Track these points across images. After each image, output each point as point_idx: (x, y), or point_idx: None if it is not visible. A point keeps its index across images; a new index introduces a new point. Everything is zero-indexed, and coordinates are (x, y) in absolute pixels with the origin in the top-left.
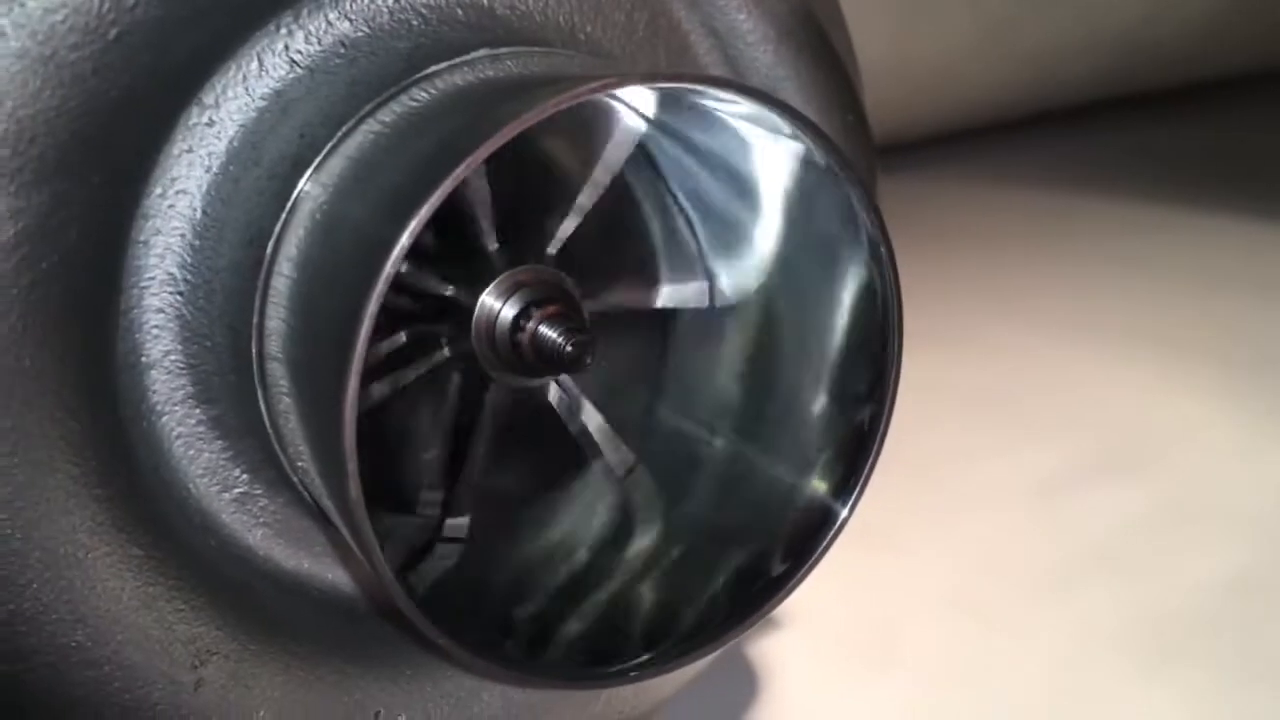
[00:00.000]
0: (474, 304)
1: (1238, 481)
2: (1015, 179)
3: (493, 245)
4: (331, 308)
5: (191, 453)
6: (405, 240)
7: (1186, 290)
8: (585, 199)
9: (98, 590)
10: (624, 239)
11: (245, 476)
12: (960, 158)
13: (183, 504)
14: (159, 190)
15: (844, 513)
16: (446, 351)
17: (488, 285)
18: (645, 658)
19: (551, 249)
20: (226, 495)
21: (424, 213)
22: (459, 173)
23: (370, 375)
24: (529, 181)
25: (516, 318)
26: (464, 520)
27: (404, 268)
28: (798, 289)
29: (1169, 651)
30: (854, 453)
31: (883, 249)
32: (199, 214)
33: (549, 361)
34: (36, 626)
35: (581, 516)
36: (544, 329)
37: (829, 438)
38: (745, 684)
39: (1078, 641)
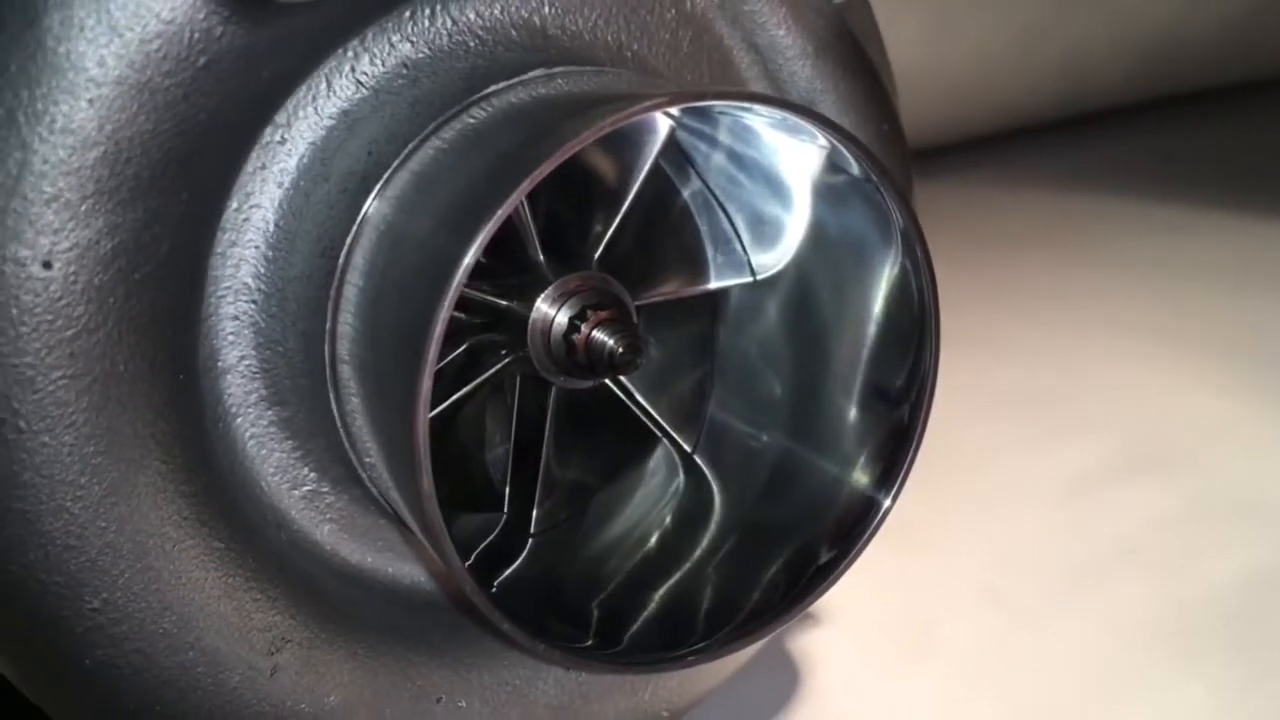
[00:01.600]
0: (529, 313)
1: (1266, 477)
2: (1045, 183)
3: (539, 256)
4: (401, 314)
5: (264, 452)
6: (475, 249)
7: (1215, 291)
8: (622, 202)
9: (183, 580)
10: (669, 235)
11: (313, 475)
12: (990, 162)
13: (256, 501)
14: (235, 205)
15: (887, 502)
16: (506, 359)
17: (540, 295)
18: (701, 644)
19: (595, 253)
20: (296, 493)
21: (492, 225)
22: (524, 187)
23: (435, 385)
24: (568, 191)
25: (570, 324)
26: (536, 515)
27: (459, 310)
28: (836, 291)
29: (1199, 646)
30: (894, 448)
31: (919, 251)
32: (272, 227)
33: (601, 365)
34: (127, 614)
35: (647, 507)
36: (597, 334)
37: (870, 434)
38: (785, 679)
39: (1109, 636)
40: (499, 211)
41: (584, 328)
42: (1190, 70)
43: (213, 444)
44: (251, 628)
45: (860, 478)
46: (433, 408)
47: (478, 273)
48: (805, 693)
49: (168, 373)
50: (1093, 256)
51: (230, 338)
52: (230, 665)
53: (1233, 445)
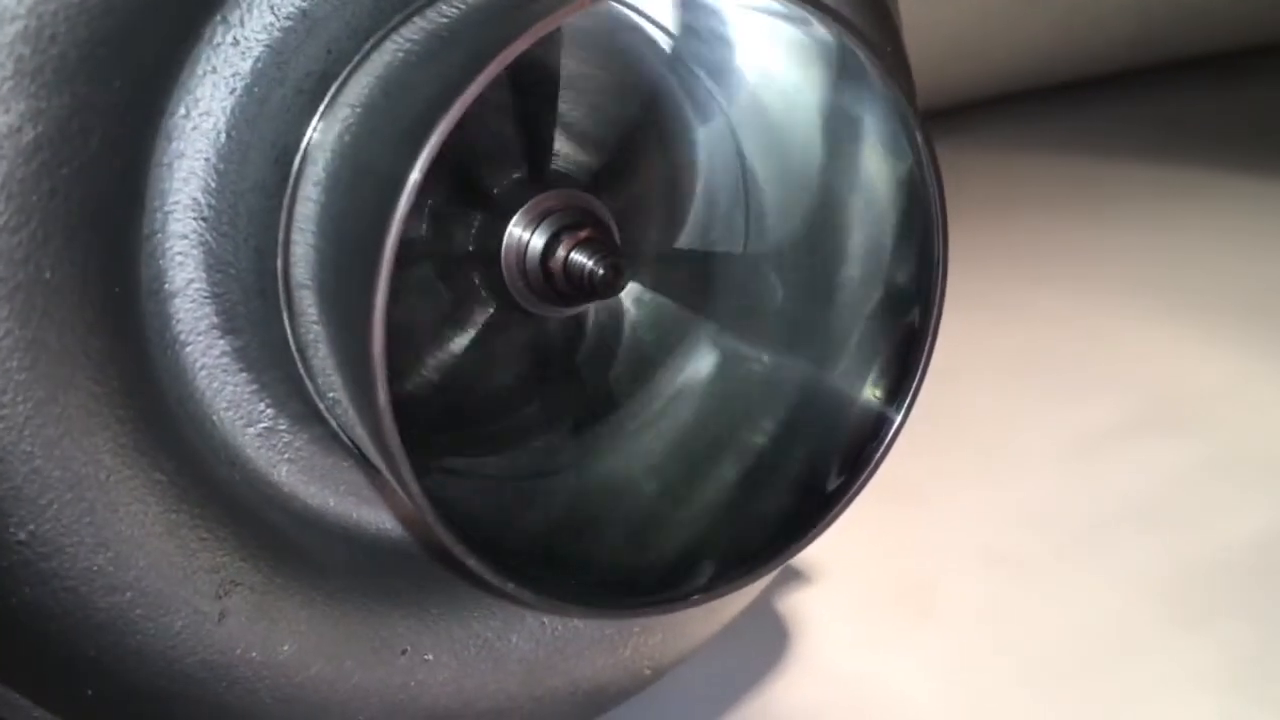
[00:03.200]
0: (499, 248)
1: (1279, 436)
2: (1054, 144)
3: (500, 184)
4: (362, 223)
5: (215, 385)
6: (438, 137)
7: (1228, 251)
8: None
9: (120, 514)
10: (640, 111)
11: (270, 411)
12: (998, 124)
13: (207, 436)
14: (182, 111)
15: (898, 419)
16: (493, 306)
17: (506, 225)
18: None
19: (555, 165)
20: (251, 430)
21: (456, 110)
22: (492, 69)
23: (434, 350)
24: (506, 107)
25: (546, 246)
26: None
27: (425, 230)
28: (832, 188)
29: (1210, 606)
30: (905, 356)
31: (920, 139)
32: (223, 136)
33: (582, 289)
34: (58, 549)
35: (646, 447)
36: (575, 255)
37: (879, 342)
38: (776, 638)
39: (1118, 596)
40: (469, 90)
41: (560, 251)
42: (1203, 30)
43: (159, 372)
44: (197, 568)
45: (871, 393)
46: (437, 376)
47: (443, 219)
48: (799, 654)
49: (102, 286)
50: (1102, 217)
51: (178, 258)
52: (173, 608)
53: (1245, 404)
